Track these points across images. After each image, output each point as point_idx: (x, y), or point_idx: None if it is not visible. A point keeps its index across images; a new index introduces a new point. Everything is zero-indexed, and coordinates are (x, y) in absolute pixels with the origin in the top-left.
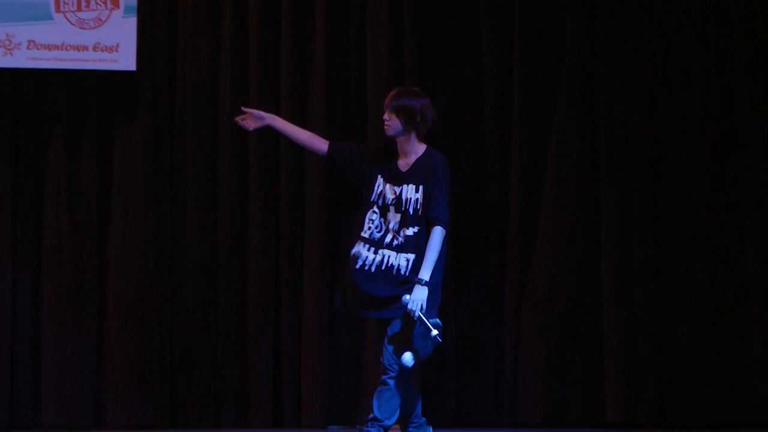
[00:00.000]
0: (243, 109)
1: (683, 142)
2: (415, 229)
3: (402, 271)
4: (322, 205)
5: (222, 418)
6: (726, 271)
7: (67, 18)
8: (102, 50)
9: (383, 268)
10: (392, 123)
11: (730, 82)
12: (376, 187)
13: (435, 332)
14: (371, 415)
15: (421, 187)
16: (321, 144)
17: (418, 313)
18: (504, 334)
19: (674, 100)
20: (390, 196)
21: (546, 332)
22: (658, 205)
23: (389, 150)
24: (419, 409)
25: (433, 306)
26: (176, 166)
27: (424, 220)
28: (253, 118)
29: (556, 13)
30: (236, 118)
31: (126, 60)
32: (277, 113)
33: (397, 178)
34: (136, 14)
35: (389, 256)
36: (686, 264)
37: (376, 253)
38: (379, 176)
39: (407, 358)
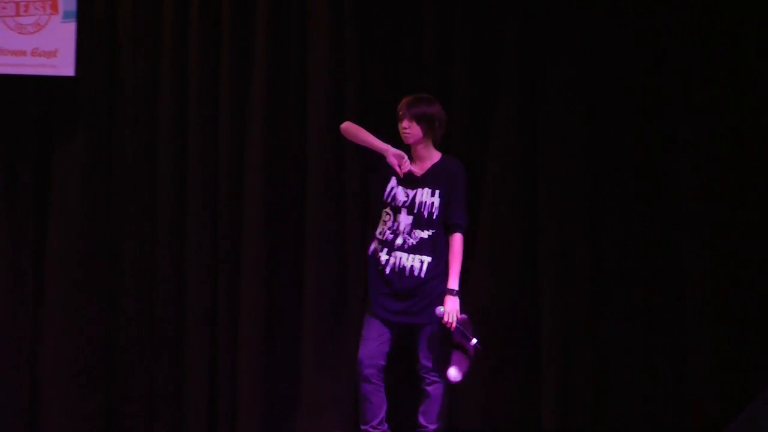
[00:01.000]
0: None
1: (622, 152)
2: (431, 232)
3: (416, 273)
4: (261, 211)
5: (157, 427)
6: (662, 280)
7: (5, 23)
8: (40, 55)
9: (396, 270)
10: (412, 131)
11: (667, 88)
12: (388, 188)
13: (474, 341)
14: (417, 422)
15: (437, 192)
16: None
17: (455, 324)
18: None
19: (612, 112)
20: (402, 198)
21: (484, 340)
22: (595, 213)
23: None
24: (384, 415)
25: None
26: (114, 172)
27: (441, 224)
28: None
29: (496, 26)
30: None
31: (65, 65)
32: (217, 117)
33: (411, 182)
34: (75, 19)
35: (401, 258)
36: (622, 272)
37: (389, 254)
38: (393, 177)
39: (453, 374)
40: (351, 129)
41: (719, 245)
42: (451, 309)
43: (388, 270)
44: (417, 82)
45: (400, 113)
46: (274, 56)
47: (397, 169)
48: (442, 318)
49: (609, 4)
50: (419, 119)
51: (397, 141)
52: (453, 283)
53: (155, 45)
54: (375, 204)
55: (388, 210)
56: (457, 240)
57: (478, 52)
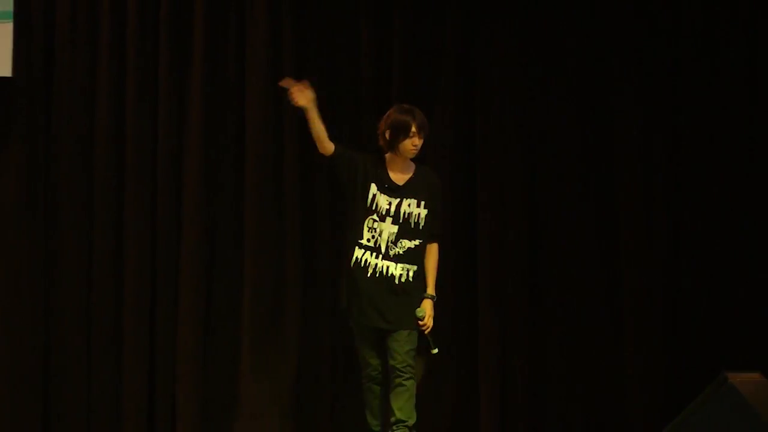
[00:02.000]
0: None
1: (559, 155)
2: (417, 242)
3: (402, 280)
4: (200, 214)
5: (95, 429)
6: (600, 290)
7: None
8: None
9: (384, 277)
10: (420, 147)
11: (605, 91)
12: (371, 196)
13: (436, 350)
14: (394, 418)
15: (423, 203)
16: (328, 144)
17: (429, 328)
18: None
19: (550, 112)
20: (384, 206)
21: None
22: (534, 222)
23: (377, 159)
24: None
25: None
26: (51, 175)
27: (426, 234)
28: (301, 93)
29: (435, 24)
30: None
31: (1, 66)
32: (155, 116)
33: (393, 190)
34: (11, 20)
35: (388, 266)
36: (561, 283)
37: (379, 260)
38: (373, 185)
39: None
40: (317, 139)
41: (655, 248)
42: (430, 313)
43: (376, 276)
44: (354, 81)
45: (413, 131)
46: (212, 51)
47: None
48: (420, 319)
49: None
50: (426, 137)
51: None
52: (432, 288)
53: (92, 45)
54: (354, 212)
55: (374, 217)
56: (435, 248)
57: (416, 51)
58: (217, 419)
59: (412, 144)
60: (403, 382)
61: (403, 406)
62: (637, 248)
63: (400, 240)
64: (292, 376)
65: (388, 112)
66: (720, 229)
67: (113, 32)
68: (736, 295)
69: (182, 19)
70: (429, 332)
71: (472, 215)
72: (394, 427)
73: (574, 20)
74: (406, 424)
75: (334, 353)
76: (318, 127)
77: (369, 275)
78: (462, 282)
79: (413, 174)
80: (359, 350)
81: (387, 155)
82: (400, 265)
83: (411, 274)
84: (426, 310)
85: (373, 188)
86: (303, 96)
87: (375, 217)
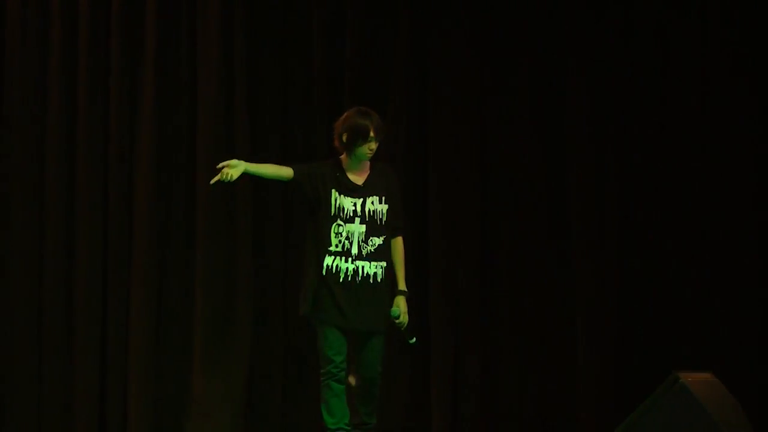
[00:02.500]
0: (219, 166)
1: (511, 151)
2: (383, 238)
3: (378, 279)
4: (151, 214)
5: (46, 428)
6: (552, 286)
7: None
8: None
9: (359, 278)
10: (375, 148)
11: (559, 90)
12: (333, 201)
13: (414, 340)
14: (358, 421)
15: (383, 198)
16: (285, 171)
17: (405, 324)
18: None
19: (504, 113)
20: (349, 207)
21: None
22: (485, 217)
23: (333, 164)
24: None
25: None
26: (1, 171)
27: (388, 229)
28: (231, 169)
29: (387, 24)
30: (214, 180)
31: None
32: (107, 117)
33: (355, 191)
34: None
35: (363, 266)
36: (512, 278)
37: (351, 263)
38: (333, 190)
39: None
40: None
41: (606, 244)
42: (405, 309)
43: (350, 279)
44: (306, 78)
45: (371, 135)
46: (163, 54)
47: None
48: (395, 318)
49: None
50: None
51: (289, 141)
52: (403, 284)
53: (43, 45)
54: (319, 221)
55: (339, 222)
56: (400, 242)
57: (369, 48)
58: (169, 418)
59: (369, 148)
60: (373, 389)
61: (370, 411)
62: (588, 244)
63: (370, 238)
64: (243, 375)
65: (345, 114)
66: (671, 226)
67: (64, 31)
68: (688, 292)
69: (134, 22)
70: (406, 328)
71: (424, 210)
72: (359, 429)
73: (525, 19)
74: (369, 426)
75: (286, 353)
76: (266, 171)
77: (341, 280)
78: (414, 276)
79: (370, 172)
80: (323, 348)
81: (342, 157)
82: (373, 263)
83: (383, 271)
84: (400, 307)
85: (335, 194)
86: (233, 170)
87: (340, 221)
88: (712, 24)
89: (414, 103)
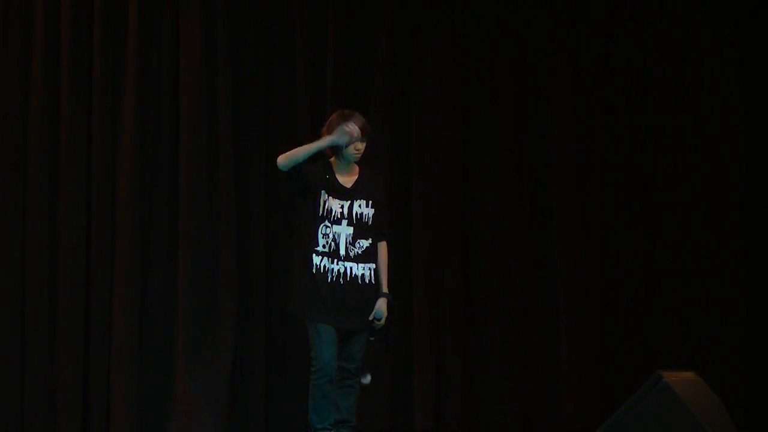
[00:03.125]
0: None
1: (493, 151)
2: (369, 241)
3: (366, 281)
4: (133, 212)
5: (29, 427)
6: (535, 287)
7: None
8: None
9: (348, 279)
10: (362, 151)
11: (542, 90)
12: (322, 203)
13: (373, 339)
14: (339, 417)
15: (371, 202)
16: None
17: (381, 326)
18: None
19: (487, 114)
20: (337, 209)
21: None
22: (468, 217)
23: (323, 165)
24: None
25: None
26: None
27: (374, 232)
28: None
29: (369, 26)
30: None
31: None
32: (90, 118)
33: (343, 193)
34: None
35: (351, 267)
36: (495, 273)
37: (335, 263)
38: (323, 192)
39: (368, 379)
40: (288, 155)
41: (590, 246)
42: (386, 312)
43: (338, 280)
44: (289, 81)
45: (363, 138)
46: (145, 56)
47: (354, 134)
48: (378, 320)
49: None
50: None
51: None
52: (386, 287)
53: (25, 47)
54: (307, 221)
55: (326, 223)
56: (385, 246)
57: (351, 50)
58: (152, 417)
59: (355, 149)
60: (354, 384)
61: (351, 407)
62: (571, 244)
63: (358, 240)
64: (226, 374)
65: (330, 118)
66: (655, 226)
67: (46, 34)
68: (672, 292)
69: (116, 23)
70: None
71: (407, 211)
72: (340, 427)
73: (507, 19)
74: (351, 424)
75: (269, 352)
76: (309, 148)
77: (330, 280)
78: (396, 277)
79: (359, 175)
80: (316, 349)
81: (332, 160)
82: (361, 265)
83: (371, 273)
84: (383, 310)
85: (324, 195)
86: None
87: (327, 222)
88: (695, 23)
89: (396, 103)
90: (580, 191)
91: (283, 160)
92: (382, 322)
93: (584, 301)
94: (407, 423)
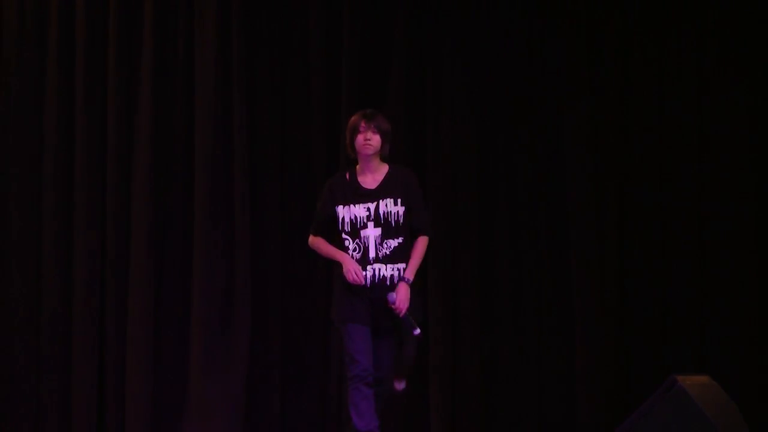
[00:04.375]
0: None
1: (509, 154)
2: (400, 240)
3: (396, 281)
4: (149, 217)
5: (44, 430)
6: (550, 287)
7: None
8: None
9: (377, 281)
10: (374, 142)
11: (556, 92)
12: (340, 216)
13: (418, 330)
14: (376, 424)
15: (399, 200)
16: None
17: (404, 311)
18: (329, 350)
19: (501, 111)
20: (362, 214)
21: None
22: (485, 220)
23: (341, 177)
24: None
25: (420, 308)
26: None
27: (407, 230)
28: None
29: (384, 25)
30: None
31: None
32: (105, 121)
33: (367, 196)
34: None
35: (379, 269)
36: (510, 278)
37: (365, 269)
38: (339, 207)
39: (401, 385)
40: (318, 248)
41: (605, 254)
42: (403, 296)
43: (368, 283)
44: (305, 84)
45: (362, 125)
46: (160, 57)
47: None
48: (392, 304)
49: (498, 9)
50: (380, 132)
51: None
52: (410, 273)
53: (41, 47)
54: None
55: (344, 236)
56: (421, 240)
57: (366, 54)
58: (167, 420)
59: (364, 138)
60: (380, 392)
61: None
62: (587, 248)
63: (385, 240)
64: (242, 377)
65: (352, 119)
66: (670, 229)
67: (61, 34)
68: (686, 295)
69: (131, 24)
70: (409, 314)
71: None
72: None
73: (524, 22)
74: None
75: (284, 355)
76: (329, 255)
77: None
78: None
79: (386, 175)
80: (350, 352)
81: (358, 164)
82: (389, 266)
83: (401, 273)
84: (399, 293)
85: (340, 208)
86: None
87: (344, 235)
88: (708, 29)
89: (411, 104)
90: (596, 192)
91: (313, 249)
92: (396, 304)
93: (600, 305)
94: (423, 428)
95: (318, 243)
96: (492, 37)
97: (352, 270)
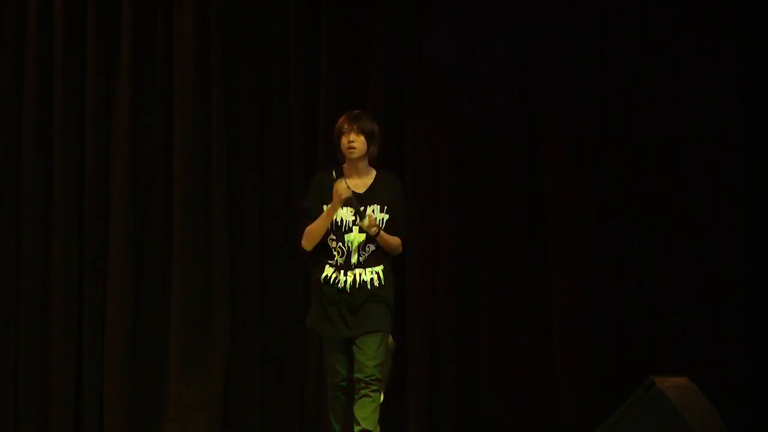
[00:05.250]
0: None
1: (487, 159)
2: (377, 244)
3: (375, 284)
4: (127, 220)
5: (22, 430)
6: (528, 290)
7: None
8: None
9: (357, 286)
10: (359, 145)
11: (537, 95)
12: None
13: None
14: (359, 428)
15: (385, 207)
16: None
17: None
18: (307, 350)
19: (482, 119)
20: (349, 218)
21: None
22: (462, 231)
23: (328, 176)
24: None
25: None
26: None
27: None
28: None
29: (363, 26)
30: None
31: None
32: (82, 125)
33: (356, 199)
34: None
35: (359, 274)
36: (490, 283)
37: (346, 274)
38: (325, 206)
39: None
40: (308, 236)
41: (582, 259)
42: (369, 222)
43: (347, 289)
44: (283, 83)
45: (345, 127)
46: (140, 53)
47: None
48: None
49: (480, 12)
50: (365, 134)
51: (270, 145)
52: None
53: (19, 39)
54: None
55: (332, 236)
56: (397, 238)
57: (345, 52)
58: (145, 422)
59: (348, 141)
60: (370, 394)
61: (368, 417)
62: (565, 253)
63: (368, 245)
64: (220, 380)
65: (339, 121)
66: (648, 234)
67: (39, 26)
68: (664, 298)
69: (109, 28)
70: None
71: None
72: None
73: (502, 23)
74: None
75: (263, 358)
76: (324, 222)
77: (337, 289)
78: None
79: (374, 180)
80: (327, 360)
81: (344, 166)
82: (368, 269)
83: (381, 274)
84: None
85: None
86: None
87: (333, 235)
88: (687, 28)
89: (390, 107)
90: (575, 199)
91: (308, 245)
92: (366, 223)
93: (577, 309)
94: (400, 428)
95: (309, 227)
96: (473, 36)
97: (340, 193)
